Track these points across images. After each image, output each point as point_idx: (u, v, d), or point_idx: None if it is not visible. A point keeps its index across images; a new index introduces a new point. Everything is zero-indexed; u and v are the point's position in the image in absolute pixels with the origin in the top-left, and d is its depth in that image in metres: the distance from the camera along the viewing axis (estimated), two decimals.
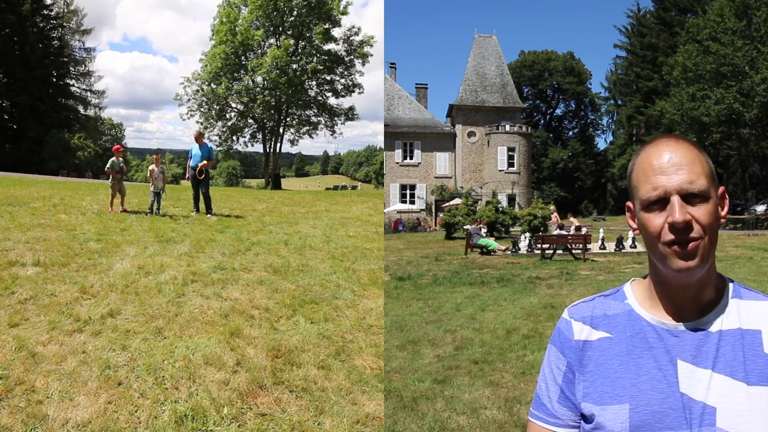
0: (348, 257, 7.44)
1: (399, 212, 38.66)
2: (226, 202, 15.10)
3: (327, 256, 7.42)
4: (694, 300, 1.00)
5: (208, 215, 11.27)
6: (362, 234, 9.72)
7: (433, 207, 40.55)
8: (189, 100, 42.64)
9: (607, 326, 1.06)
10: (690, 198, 0.95)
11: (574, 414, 1.05)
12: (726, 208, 1.03)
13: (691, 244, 0.94)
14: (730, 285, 1.04)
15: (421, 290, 10.52)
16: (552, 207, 23.60)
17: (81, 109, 55.02)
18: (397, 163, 41.97)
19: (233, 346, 3.97)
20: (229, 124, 44.66)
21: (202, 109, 43.09)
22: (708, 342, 0.98)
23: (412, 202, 41.50)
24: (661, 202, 0.96)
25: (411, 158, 42.16)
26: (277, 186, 39.62)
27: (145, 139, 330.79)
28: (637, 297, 1.07)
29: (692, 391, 0.95)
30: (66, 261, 6.13)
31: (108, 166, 11.64)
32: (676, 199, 0.94)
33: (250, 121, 44.82)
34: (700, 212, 0.95)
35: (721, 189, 1.01)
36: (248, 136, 45.78)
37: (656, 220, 0.96)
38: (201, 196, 11.68)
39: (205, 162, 11.67)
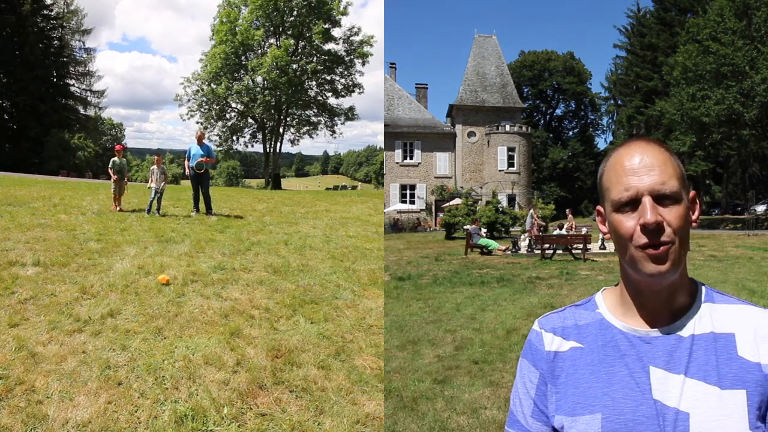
0: (348, 257, 7.45)
1: (399, 212, 38.67)
2: (226, 202, 15.10)
3: (327, 256, 7.42)
4: (666, 305, 0.99)
5: (208, 215, 11.27)
6: (362, 234, 9.73)
7: (433, 207, 40.55)
8: (189, 100, 42.72)
9: (578, 336, 1.04)
10: (661, 199, 0.94)
11: (548, 428, 1.04)
12: (697, 212, 1.02)
13: (662, 248, 0.93)
14: (703, 289, 1.03)
15: (421, 290, 10.52)
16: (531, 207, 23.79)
17: (81, 109, 55.01)
18: (397, 163, 41.98)
19: (233, 346, 3.97)
20: (229, 124, 44.69)
21: (202, 110, 43.14)
22: (680, 347, 0.96)
23: (412, 202, 41.50)
24: (632, 204, 0.95)
25: (411, 158, 42.16)
26: (277, 186, 39.62)
27: (145, 139, 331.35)
28: (608, 305, 1.06)
29: (665, 397, 0.93)
30: (66, 261, 6.13)
31: (109, 165, 11.72)
32: (647, 200, 0.94)
33: (250, 121, 44.84)
34: (672, 214, 0.94)
35: (692, 193, 1.01)
36: (248, 136, 45.84)
37: (628, 222, 0.95)
38: (201, 196, 11.67)
39: (206, 158, 11.62)
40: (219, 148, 43.82)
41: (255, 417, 3.04)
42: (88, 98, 55.07)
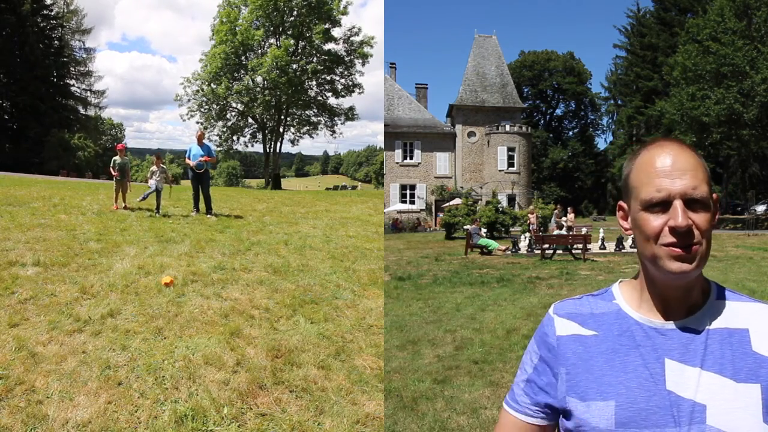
0: (348, 257, 7.45)
1: (399, 212, 38.67)
2: (226, 202, 15.10)
3: (327, 256, 7.42)
4: (682, 300, 1.01)
5: (208, 215, 11.27)
6: (362, 234, 9.73)
7: (433, 207, 40.55)
8: (189, 100, 42.71)
9: (593, 324, 1.07)
10: (691, 203, 0.96)
11: (532, 403, 1.08)
12: (716, 215, 1.04)
13: (693, 248, 0.95)
14: (715, 287, 1.06)
15: (421, 290, 10.52)
16: (531, 207, 23.90)
17: (81, 109, 55.10)
18: (397, 163, 41.97)
19: (233, 346, 3.97)
20: (229, 124, 44.69)
21: (202, 110, 43.14)
22: (696, 340, 0.99)
23: (412, 202, 41.49)
24: (662, 205, 0.97)
25: (411, 158, 42.16)
26: (277, 186, 39.61)
27: (145, 139, 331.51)
28: (625, 297, 1.08)
29: (681, 389, 0.96)
30: (66, 261, 6.13)
31: (111, 164, 11.91)
32: (679, 204, 0.96)
33: (250, 121, 44.84)
34: (701, 218, 0.96)
35: (714, 196, 1.03)
36: (248, 136, 45.87)
37: (656, 221, 0.97)
38: (201, 196, 11.67)
39: (206, 157, 11.62)
40: (219, 148, 43.81)
41: (255, 417, 3.04)
42: (88, 98, 55.19)
